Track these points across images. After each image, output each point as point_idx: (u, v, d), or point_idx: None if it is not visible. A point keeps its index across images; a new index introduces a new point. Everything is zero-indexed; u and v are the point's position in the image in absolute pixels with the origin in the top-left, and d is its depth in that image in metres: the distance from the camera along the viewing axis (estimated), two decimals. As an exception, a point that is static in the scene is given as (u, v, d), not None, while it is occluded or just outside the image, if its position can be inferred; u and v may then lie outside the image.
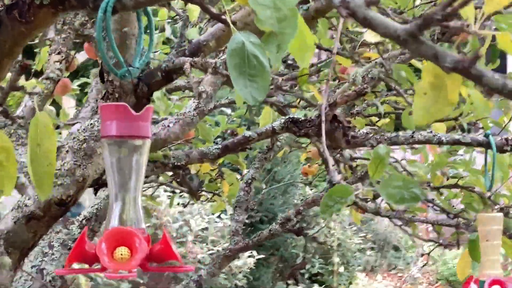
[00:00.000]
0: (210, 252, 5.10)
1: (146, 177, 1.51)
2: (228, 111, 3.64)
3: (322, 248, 6.81)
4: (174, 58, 1.41)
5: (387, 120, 2.50)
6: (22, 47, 0.97)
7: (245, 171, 2.65)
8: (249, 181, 2.36)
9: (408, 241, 7.80)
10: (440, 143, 1.61)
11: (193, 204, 5.40)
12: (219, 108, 2.74)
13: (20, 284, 1.81)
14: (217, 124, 2.86)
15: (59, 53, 2.15)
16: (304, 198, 5.93)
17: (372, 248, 7.75)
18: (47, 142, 0.89)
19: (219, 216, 5.46)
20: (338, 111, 1.62)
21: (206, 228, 5.33)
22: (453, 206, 2.43)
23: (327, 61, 2.29)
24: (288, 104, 2.34)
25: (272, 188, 5.69)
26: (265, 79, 0.83)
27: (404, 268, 7.73)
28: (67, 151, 1.44)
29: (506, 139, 1.58)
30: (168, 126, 1.84)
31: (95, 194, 1.72)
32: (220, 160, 2.71)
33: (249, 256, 5.42)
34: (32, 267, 1.82)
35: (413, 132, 1.63)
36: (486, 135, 1.60)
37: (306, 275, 6.86)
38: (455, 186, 2.27)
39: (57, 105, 2.45)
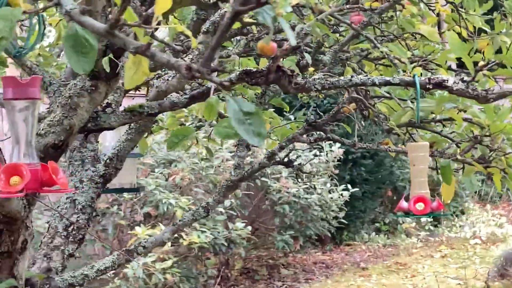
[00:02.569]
0: (305, 186, 5.44)
1: (126, 123, 1.87)
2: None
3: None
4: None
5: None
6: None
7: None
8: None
9: None
10: (373, 84, 1.85)
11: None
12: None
13: (57, 212, 2.25)
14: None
15: None
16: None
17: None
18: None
19: (315, 154, 5.73)
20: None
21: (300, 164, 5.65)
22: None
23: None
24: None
25: (370, 124, 5.92)
26: (93, 54, 1.15)
27: None
28: (57, 106, 1.82)
29: (429, 79, 1.80)
30: (168, 80, 2.19)
31: (85, 139, 2.11)
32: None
33: (344, 190, 5.71)
34: (66, 198, 2.25)
35: (352, 76, 1.88)
36: (413, 76, 1.82)
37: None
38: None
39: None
